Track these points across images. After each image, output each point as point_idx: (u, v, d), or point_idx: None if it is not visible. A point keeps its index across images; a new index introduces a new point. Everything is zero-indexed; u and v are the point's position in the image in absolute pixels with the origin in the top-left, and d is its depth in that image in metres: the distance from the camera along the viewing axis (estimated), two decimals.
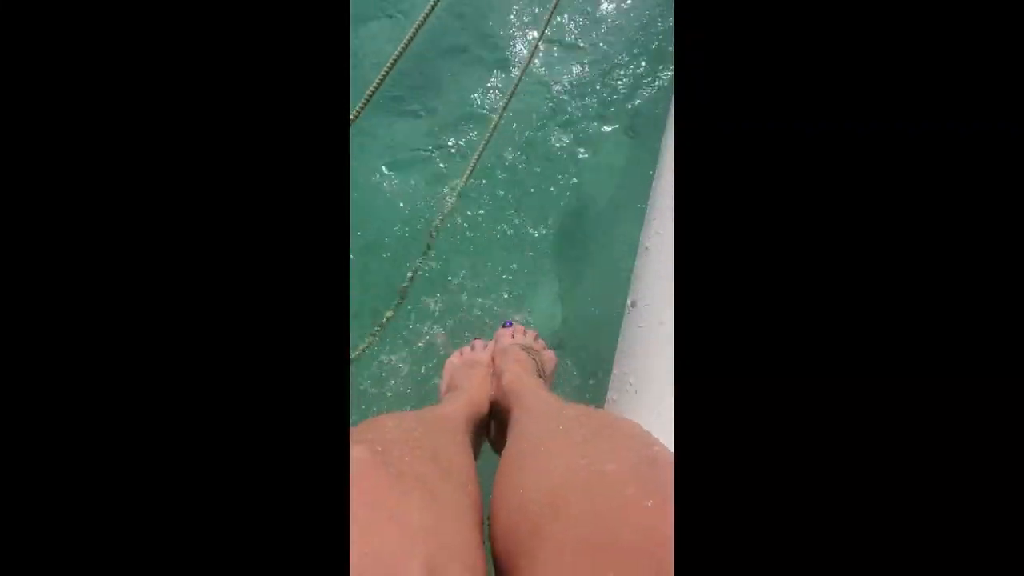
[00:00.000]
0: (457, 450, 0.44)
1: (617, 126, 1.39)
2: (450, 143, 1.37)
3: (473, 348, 0.80)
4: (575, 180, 1.33)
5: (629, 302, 0.61)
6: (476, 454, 0.57)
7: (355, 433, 0.36)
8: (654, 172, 0.78)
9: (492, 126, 1.11)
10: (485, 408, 0.62)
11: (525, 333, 0.82)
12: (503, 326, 0.84)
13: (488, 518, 0.35)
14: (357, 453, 0.30)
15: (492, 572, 0.32)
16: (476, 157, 1.09)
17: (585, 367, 1.04)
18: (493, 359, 0.74)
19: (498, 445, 0.64)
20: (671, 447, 0.32)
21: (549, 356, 0.76)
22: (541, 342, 0.80)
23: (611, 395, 0.62)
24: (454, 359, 0.77)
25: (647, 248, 0.68)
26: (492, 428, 0.66)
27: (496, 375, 0.67)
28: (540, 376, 0.67)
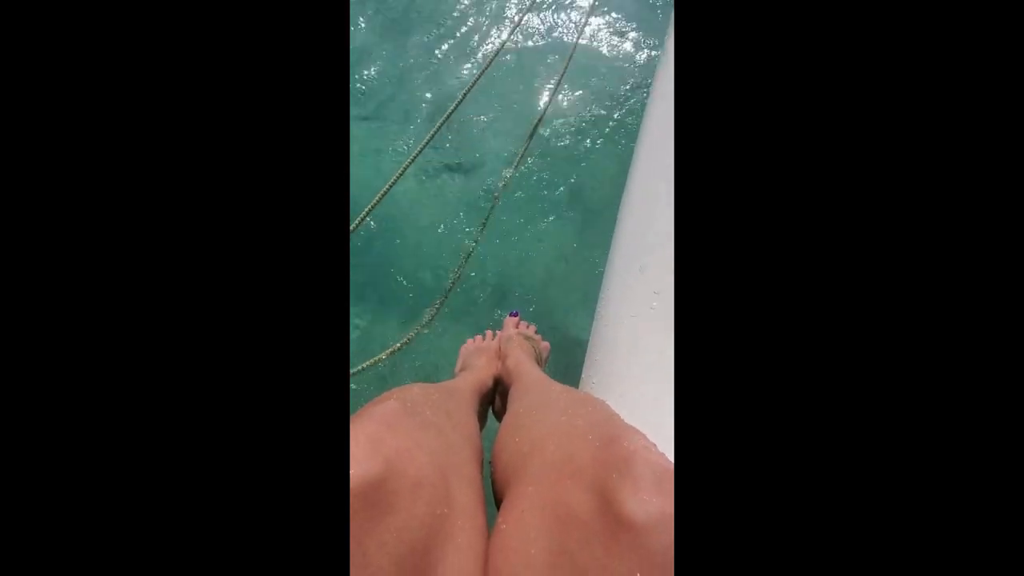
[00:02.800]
0: (465, 412, 0.54)
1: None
2: None
3: (484, 337, 0.96)
4: None
5: (638, 267, 0.63)
6: (483, 421, 0.70)
7: (389, 393, 0.44)
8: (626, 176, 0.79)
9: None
10: (490, 384, 0.74)
11: (528, 326, 0.97)
12: (510, 315, 0.99)
13: (490, 463, 0.44)
14: (391, 405, 0.37)
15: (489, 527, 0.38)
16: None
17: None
18: (500, 344, 0.88)
19: (500, 414, 0.77)
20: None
21: (545, 345, 0.91)
22: (539, 335, 0.95)
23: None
24: (468, 345, 0.93)
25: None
26: (496, 400, 0.78)
27: (502, 357, 0.80)
28: (537, 361, 0.80)
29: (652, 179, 0.73)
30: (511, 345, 0.81)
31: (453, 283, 1.13)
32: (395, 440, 0.33)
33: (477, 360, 0.80)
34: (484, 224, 1.21)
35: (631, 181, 0.77)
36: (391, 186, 0.90)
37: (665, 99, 0.82)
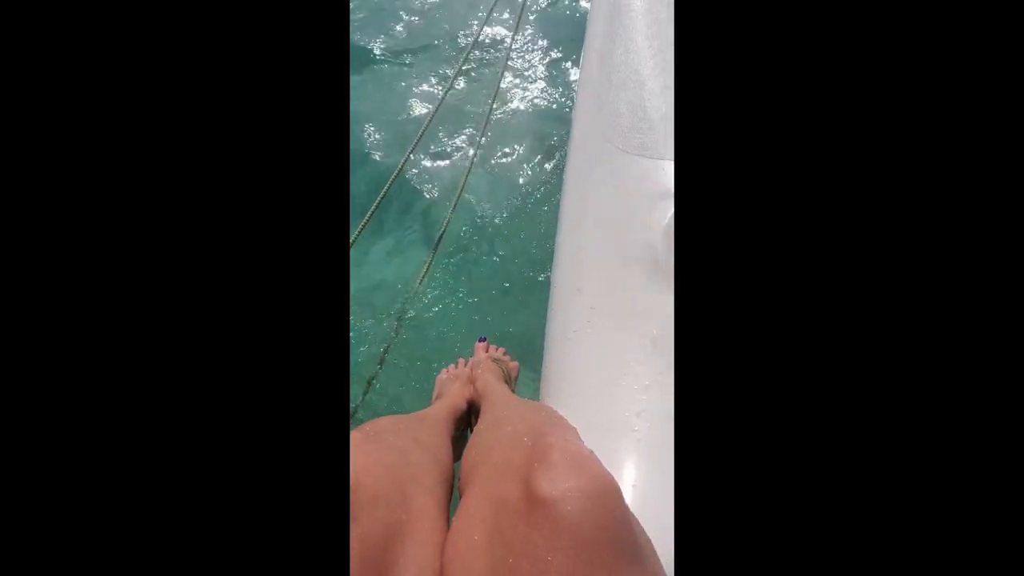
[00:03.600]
0: (435, 434, 0.60)
1: None
2: None
3: (457, 365, 1.01)
4: None
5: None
6: (462, 442, 0.75)
7: (357, 426, 0.50)
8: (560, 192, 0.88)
9: None
10: (464, 407, 0.81)
11: (497, 349, 1.05)
12: (479, 341, 1.06)
13: (459, 470, 0.51)
14: (354, 435, 0.45)
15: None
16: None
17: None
18: (471, 370, 0.94)
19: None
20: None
21: (514, 365, 0.99)
22: (508, 356, 1.02)
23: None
24: (442, 374, 0.98)
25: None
26: (473, 420, 0.84)
27: (472, 381, 0.87)
28: (506, 380, 0.88)
29: (580, 203, 0.83)
30: (480, 369, 0.88)
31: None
32: (355, 462, 0.40)
33: (450, 388, 0.87)
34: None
35: (563, 204, 0.87)
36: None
37: (581, 141, 0.92)
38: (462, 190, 1.35)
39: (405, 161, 1.21)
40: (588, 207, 0.82)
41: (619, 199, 0.77)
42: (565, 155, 1.00)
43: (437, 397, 0.89)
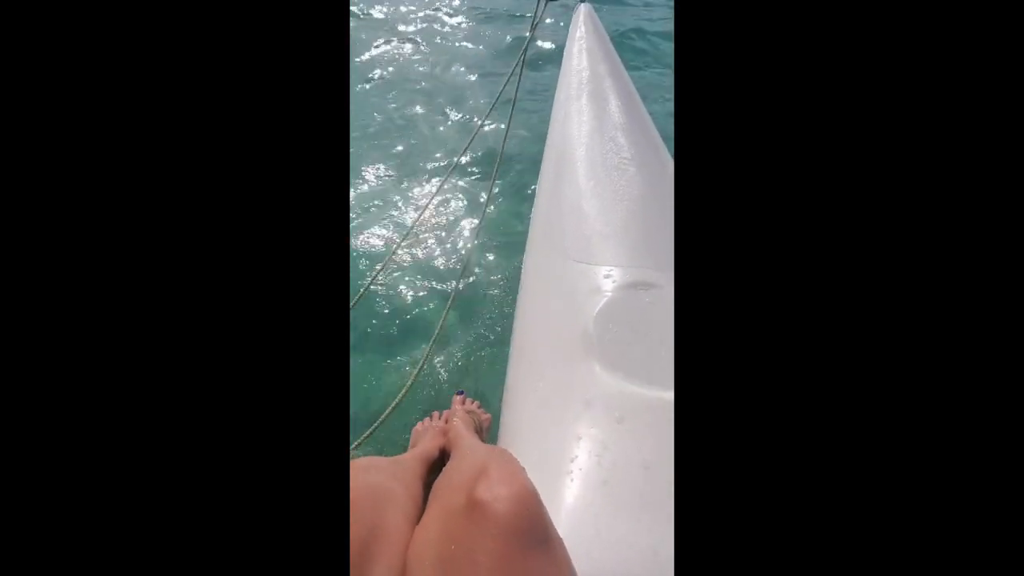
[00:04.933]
0: (407, 472, 0.72)
1: None
2: None
3: (432, 418, 1.13)
4: None
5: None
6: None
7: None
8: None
9: None
10: (436, 455, 0.91)
11: (472, 402, 1.18)
12: (456, 394, 1.19)
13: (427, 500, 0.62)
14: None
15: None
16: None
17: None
18: (445, 419, 1.08)
19: None
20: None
21: (486, 417, 1.12)
22: (482, 409, 1.15)
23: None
24: (418, 426, 1.12)
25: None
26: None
27: (446, 432, 1.00)
28: (477, 430, 1.00)
29: (532, 297, 1.03)
30: (456, 420, 1.00)
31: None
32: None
33: (424, 437, 0.98)
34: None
35: (519, 298, 1.06)
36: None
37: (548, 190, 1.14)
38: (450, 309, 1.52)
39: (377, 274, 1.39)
40: (538, 300, 1.01)
41: (562, 295, 0.97)
42: (521, 263, 1.22)
43: (412, 446, 1.00)
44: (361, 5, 4.07)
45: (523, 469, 0.51)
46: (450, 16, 4.05)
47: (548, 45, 3.45)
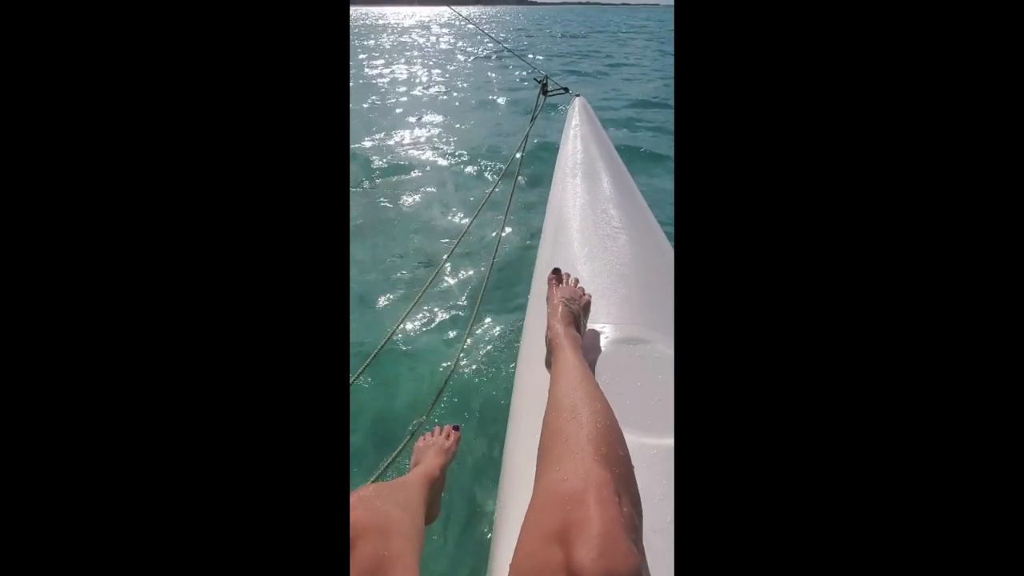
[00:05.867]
0: (410, 496, 0.74)
1: None
2: None
3: (434, 433, 1.12)
4: None
5: None
6: (436, 507, 0.88)
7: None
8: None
9: None
10: (437, 473, 0.91)
11: (569, 278, 1.06)
12: (552, 274, 1.06)
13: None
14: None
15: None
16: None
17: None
18: (447, 434, 1.08)
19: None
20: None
21: (586, 300, 0.99)
22: (580, 289, 1.04)
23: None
24: (420, 442, 1.10)
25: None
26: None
27: (448, 448, 1.03)
28: (576, 324, 0.91)
29: (530, 349, 1.08)
30: (553, 318, 0.91)
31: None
32: (352, 512, 0.54)
33: (426, 456, 0.99)
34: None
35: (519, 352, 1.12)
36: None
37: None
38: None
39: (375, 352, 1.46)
40: (536, 357, 1.06)
41: None
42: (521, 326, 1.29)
43: (414, 464, 1.00)
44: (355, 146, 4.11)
45: (624, 519, 0.43)
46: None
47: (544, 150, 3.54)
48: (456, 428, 1.18)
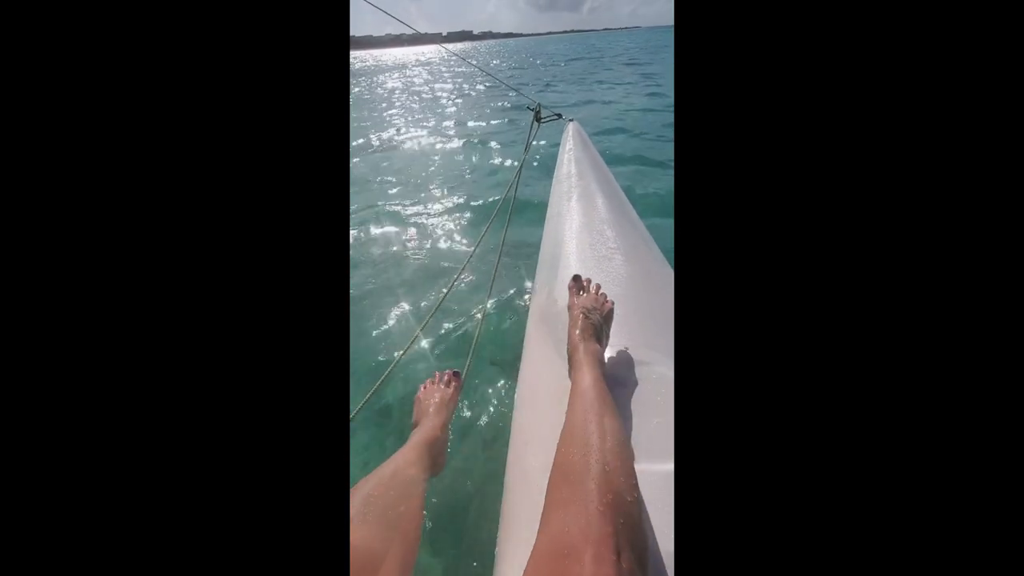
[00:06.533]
0: (408, 494, 0.69)
1: None
2: None
3: (435, 380, 1.05)
4: None
5: None
6: (440, 461, 0.84)
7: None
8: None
9: None
10: (438, 434, 0.87)
11: (590, 284, 1.02)
12: (572, 280, 1.03)
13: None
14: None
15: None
16: None
17: None
18: (448, 380, 1.04)
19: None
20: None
21: (608, 308, 0.95)
22: (603, 295, 0.99)
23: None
24: (420, 392, 1.02)
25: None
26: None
27: (450, 399, 0.99)
28: (597, 336, 0.87)
29: (530, 365, 1.07)
30: (575, 329, 0.88)
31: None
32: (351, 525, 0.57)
33: (426, 413, 0.94)
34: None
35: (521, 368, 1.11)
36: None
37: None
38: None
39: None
40: (535, 377, 1.05)
41: (553, 376, 1.02)
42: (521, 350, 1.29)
43: (416, 422, 0.95)
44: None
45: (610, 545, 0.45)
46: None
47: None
48: (456, 374, 1.11)
